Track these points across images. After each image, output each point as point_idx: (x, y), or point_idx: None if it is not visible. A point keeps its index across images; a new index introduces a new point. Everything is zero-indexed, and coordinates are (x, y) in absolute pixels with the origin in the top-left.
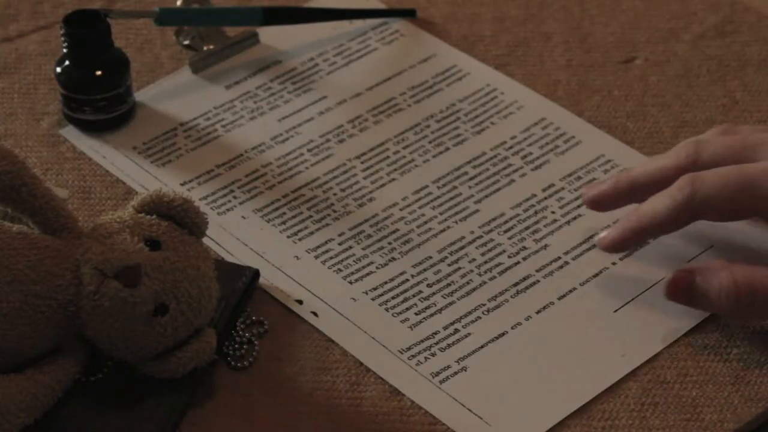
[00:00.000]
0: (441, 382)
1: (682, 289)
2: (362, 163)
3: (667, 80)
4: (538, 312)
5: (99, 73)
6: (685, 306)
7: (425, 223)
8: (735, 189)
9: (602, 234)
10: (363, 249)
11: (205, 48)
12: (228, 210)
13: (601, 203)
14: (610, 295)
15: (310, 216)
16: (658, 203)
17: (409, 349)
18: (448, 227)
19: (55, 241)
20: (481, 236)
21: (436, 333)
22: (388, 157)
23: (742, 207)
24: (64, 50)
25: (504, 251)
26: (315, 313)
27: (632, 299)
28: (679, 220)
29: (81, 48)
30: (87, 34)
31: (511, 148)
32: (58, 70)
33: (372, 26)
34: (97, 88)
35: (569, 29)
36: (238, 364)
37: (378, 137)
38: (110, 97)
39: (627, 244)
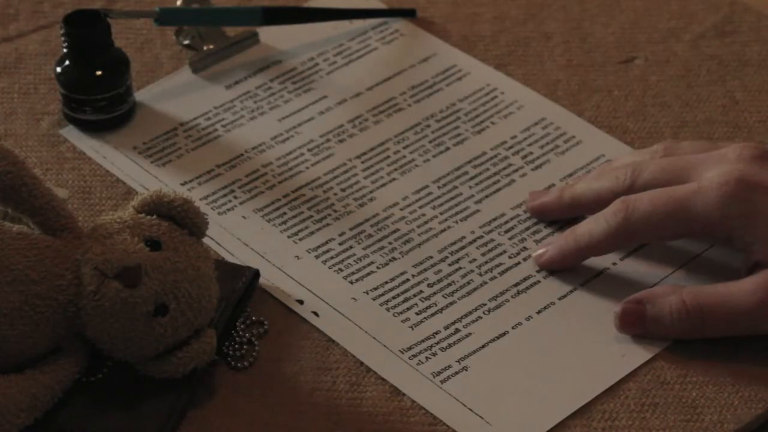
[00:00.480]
0: (442, 381)
1: (634, 321)
2: (363, 162)
3: (667, 80)
4: (538, 312)
5: (99, 73)
6: (638, 335)
7: (426, 222)
8: (666, 212)
9: (540, 251)
10: (363, 249)
11: (205, 48)
12: (228, 210)
13: (543, 213)
14: (610, 295)
15: (311, 216)
16: (595, 227)
17: (410, 348)
18: (449, 227)
19: (55, 242)
20: (482, 236)
21: (436, 333)
22: (388, 156)
23: (675, 228)
24: (64, 50)
25: (504, 251)
26: (316, 313)
27: None
28: (614, 243)
29: (81, 48)
30: (87, 34)
31: (511, 147)
32: (58, 69)
33: (372, 26)
34: (97, 88)
35: (569, 29)
36: (238, 365)
37: (378, 137)
38: (110, 97)
39: (563, 264)
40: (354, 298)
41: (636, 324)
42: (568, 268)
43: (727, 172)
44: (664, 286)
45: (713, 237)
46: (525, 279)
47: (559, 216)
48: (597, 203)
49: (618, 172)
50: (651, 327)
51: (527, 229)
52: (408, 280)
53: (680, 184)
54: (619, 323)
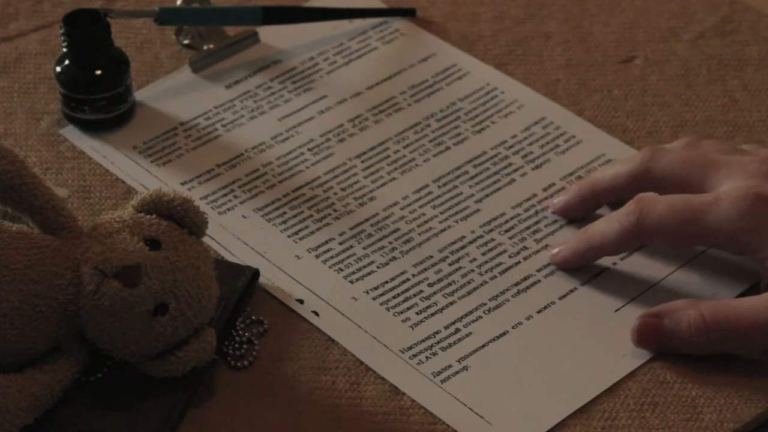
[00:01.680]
0: (442, 381)
1: (651, 334)
2: (363, 162)
3: (666, 80)
4: (539, 312)
5: (99, 72)
6: (654, 352)
7: (426, 222)
8: (680, 220)
9: (555, 250)
10: (364, 248)
11: (205, 47)
12: (228, 209)
13: (569, 211)
14: (610, 294)
15: (311, 215)
16: (607, 227)
17: (410, 348)
18: (449, 227)
19: (54, 241)
20: (482, 236)
21: (437, 332)
22: (388, 156)
23: (687, 237)
24: (64, 50)
25: (505, 251)
26: (316, 313)
27: (633, 299)
28: (626, 244)
29: (81, 47)
30: (87, 34)
31: (511, 147)
32: (58, 69)
33: (372, 25)
34: (97, 88)
35: (569, 28)
36: (238, 364)
37: (378, 136)
38: (110, 96)
39: (577, 263)
40: (354, 298)
41: (653, 338)
42: (581, 267)
43: (746, 186)
44: (680, 301)
45: (726, 249)
46: (525, 278)
47: (582, 210)
48: (613, 187)
49: (637, 155)
50: (668, 341)
51: (527, 228)
52: (408, 279)
53: (697, 182)
54: (636, 338)
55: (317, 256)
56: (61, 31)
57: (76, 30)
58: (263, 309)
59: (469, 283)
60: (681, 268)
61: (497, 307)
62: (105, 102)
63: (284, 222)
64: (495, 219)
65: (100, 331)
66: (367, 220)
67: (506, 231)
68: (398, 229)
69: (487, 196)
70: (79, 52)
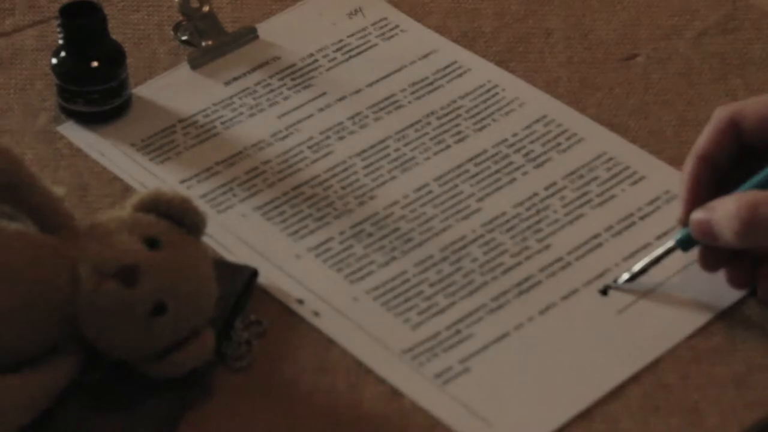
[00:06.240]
0: (443, 383)
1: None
2: (363, 160)
3: (668, 78)
4: (540, 313)
5: (95, 64)
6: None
7: (426, 221)
8: None
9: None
10: (364, 248)
11: (203, 44)
12: (228, 208)
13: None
14: (613, 296)
15: (311, 214)
16: None
17: (411, 349)
18: (450, 226)
19: (52, 240)
20: (483, 235)
21: (438, 333)
22: (388, 154)
23: None
24: (60, 41)
25: (506, 251)
26: (316, 313)
27: (635, 301)
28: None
29: (77, 38)
30: (83, 25)
31: (512, 145)
32: (54, 61)
33: (372, 22)
34: (92, 80)
35: (570, 26)
36: (237, 365)
37: (378, 134)
38: (103, 90)
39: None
40: (354, 298)
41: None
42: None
43: None
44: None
45: None
46: (527, 279)
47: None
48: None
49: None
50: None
51: (529, 228)
52: (409, 279)
53: None
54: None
55: (317, 256)
56: (57, 23)
57: (72, 21)
58: (262, 309)
59: (470, 283)
60: (683, 270)
61: (499, 308)
62: (97, 95)
63: (284, 221)
64: (496, 218)
65: (98, 331)
66: (367, 219)
67: (507, 230)
68: (399, 228)
69: (488, 194)
70: (75, 44)
